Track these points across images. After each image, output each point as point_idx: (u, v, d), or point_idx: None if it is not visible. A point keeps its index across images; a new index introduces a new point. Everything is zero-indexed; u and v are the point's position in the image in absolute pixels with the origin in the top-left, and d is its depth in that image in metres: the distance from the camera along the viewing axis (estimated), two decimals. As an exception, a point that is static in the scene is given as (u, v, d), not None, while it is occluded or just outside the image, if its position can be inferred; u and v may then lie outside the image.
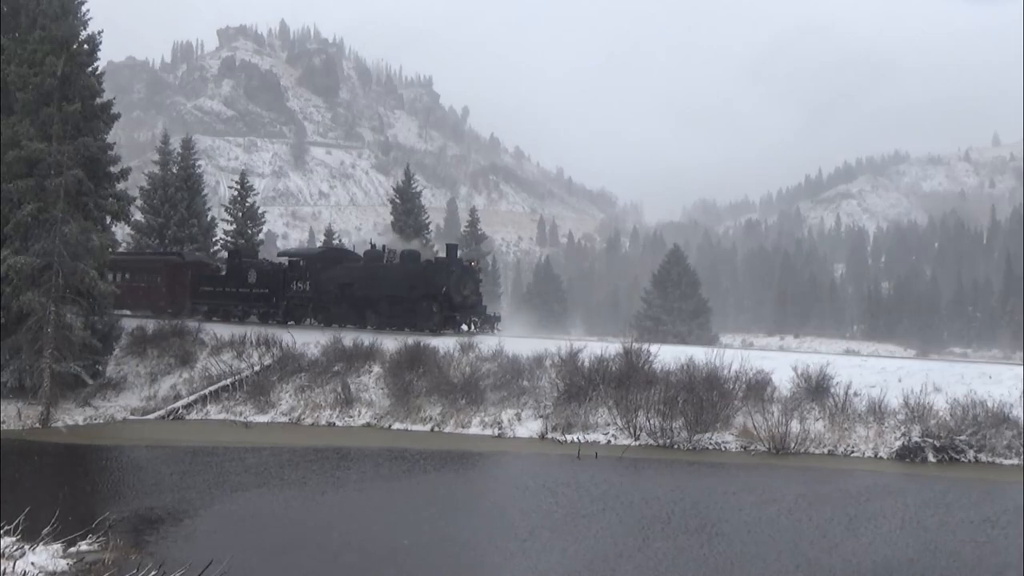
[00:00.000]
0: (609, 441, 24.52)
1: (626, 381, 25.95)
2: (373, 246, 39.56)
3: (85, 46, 31.21)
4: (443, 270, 35.10)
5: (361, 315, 36.53)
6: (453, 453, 24.02)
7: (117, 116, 33.13)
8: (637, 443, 24.21)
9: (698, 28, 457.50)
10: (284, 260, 42.02)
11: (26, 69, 29.78)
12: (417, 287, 34.89)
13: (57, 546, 13.80)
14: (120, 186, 33.08)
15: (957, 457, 21.73)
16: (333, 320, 37.55)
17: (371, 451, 24.66)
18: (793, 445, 22.85)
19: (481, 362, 29.41)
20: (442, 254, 40.15)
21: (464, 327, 35.17)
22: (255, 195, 60.36)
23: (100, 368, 32.65)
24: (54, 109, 29.62)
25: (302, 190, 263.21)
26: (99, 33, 31.73)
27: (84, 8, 32.22)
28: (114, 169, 32.49)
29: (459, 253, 39.73)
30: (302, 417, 28.94)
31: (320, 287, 37.96)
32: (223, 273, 42.64)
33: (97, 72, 32.08)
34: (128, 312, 41.75)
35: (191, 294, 41.94)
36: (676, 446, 23.73)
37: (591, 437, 24.69)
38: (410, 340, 30.83)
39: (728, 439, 23.86)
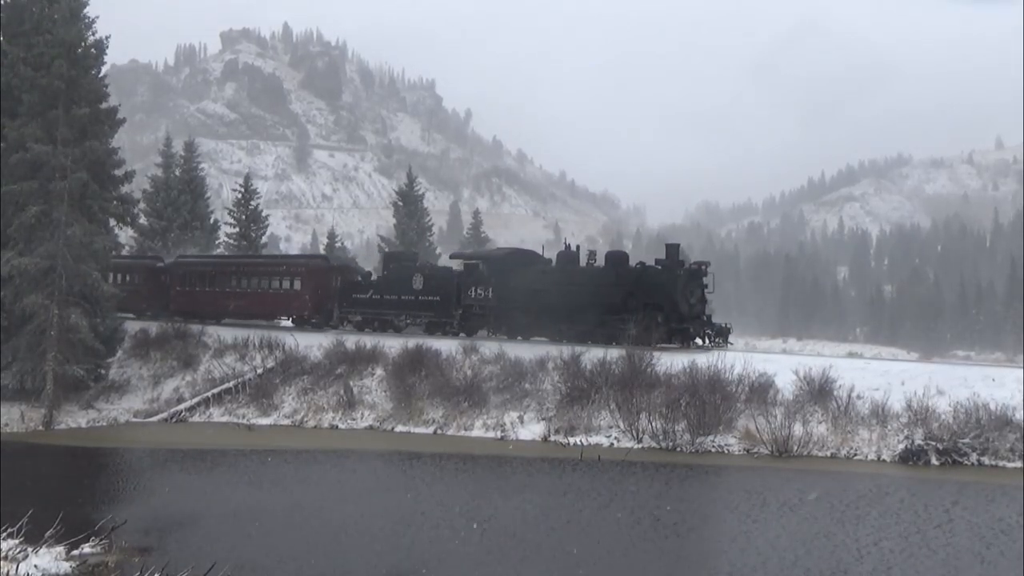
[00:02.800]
0: (612, 444, 24.50)
1: (629, 384, 25.93)
2: (567, 247, 34.77)
3: (92, 50, 31.33)
4: (668, 274, 30.57)
5: (555, 326, 32.29)
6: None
7: (122, 121, 33.26)
8: (640, 446, 24.19)
9: (700, 30, 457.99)
10: (455, 264, 38.12)
11: (32, 72, 29.87)
12: (635, 295, 30.39)
13: (60, 549, 13.83)
14: (124, 189, 33.20)
15: (960, 460, 21.67)
16: (520, 332, 33.58)
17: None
18: (796, 448, 22.82)
19: (483, 364, 29.40)
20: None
21: (699, 341, 30.71)
22: (258, 198, 60.47)
23: (103, 371, 32.73)
24: (60, 112, 29.71)
25: (305, 193, 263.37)
26: (106, 38, 31.88)
27: (91, 13, 32.40)
28: (118, 172, 32.59)
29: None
30: (305, 420, 28.96)
31: (504, 294, 33.53)
32: (374, 279, 39.49)
33: (103, 76, 32.20)
34: (261, 322, 39.58)
35: (340, 302, 38.27)
36: (679, 449, 23.70)
37: (594, 440, 24.67)
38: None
39: (731, 442, 23.82)
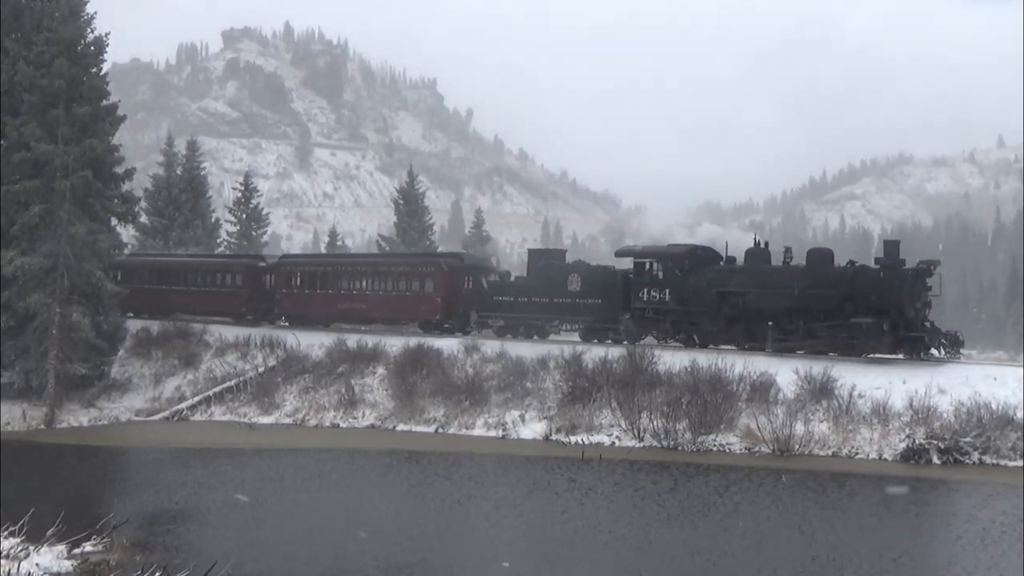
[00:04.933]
0: (613, 443, 24.50)
1: (630, 383, 25.92)
2: (757, 243, 30.88)
3: (92, 48, 31.32)
4: (892, 275, 27.04)
5: (748, 334, 29.00)
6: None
7: (123, 118, 33.24)
8: (641, 445, 24.19)
9: (701, 29, 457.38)
10: (613, 264, 34.83)
11: (33, 71, 29.88)
12: (854, 298, 27.01)
13: (62, 547, 13.82)
14: (125, 187, 33.20)
15: (961, 459, 21.66)
16: (703, 339, 30.16)
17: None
18: (797, 447, 22.82)
19: (484, 363, 29.40)
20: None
21: (934, 351, 27.26)
22: (259, 196, 60.55)
23: (105, 369, 32.73)
24: (61, 111, 29.71)
25: (306, 191, 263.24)
26: (106, 36, 31.87)
27: (91, 11, 32.41)
28: (118, 170, 32.59)
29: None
30: (306, 418, 28.97)
31: (686, 296, 30.18)
32: (514, 279, 36.46)
33: (103, 75, 32.20)
34: (383, 325, 37.08)
35: (477, 304, 35.32)
36: (680, 448, 23.70)
37: (595, 439, 24.67)
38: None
39: (732, 440, 23.82)
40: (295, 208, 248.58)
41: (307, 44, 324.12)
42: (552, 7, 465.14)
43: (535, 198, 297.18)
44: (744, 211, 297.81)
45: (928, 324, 27.54)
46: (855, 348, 26.72)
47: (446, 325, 35.57)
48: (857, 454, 22.57)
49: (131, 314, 40.00)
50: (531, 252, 37.55)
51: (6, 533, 13.88)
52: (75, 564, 13.25)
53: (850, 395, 23.98)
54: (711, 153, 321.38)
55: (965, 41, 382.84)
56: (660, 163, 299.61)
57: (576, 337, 33.48)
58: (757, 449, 23.19)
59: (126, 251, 45.37)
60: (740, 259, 30.95)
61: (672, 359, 26.88)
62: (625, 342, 30.56)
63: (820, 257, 29.07)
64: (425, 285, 36.30)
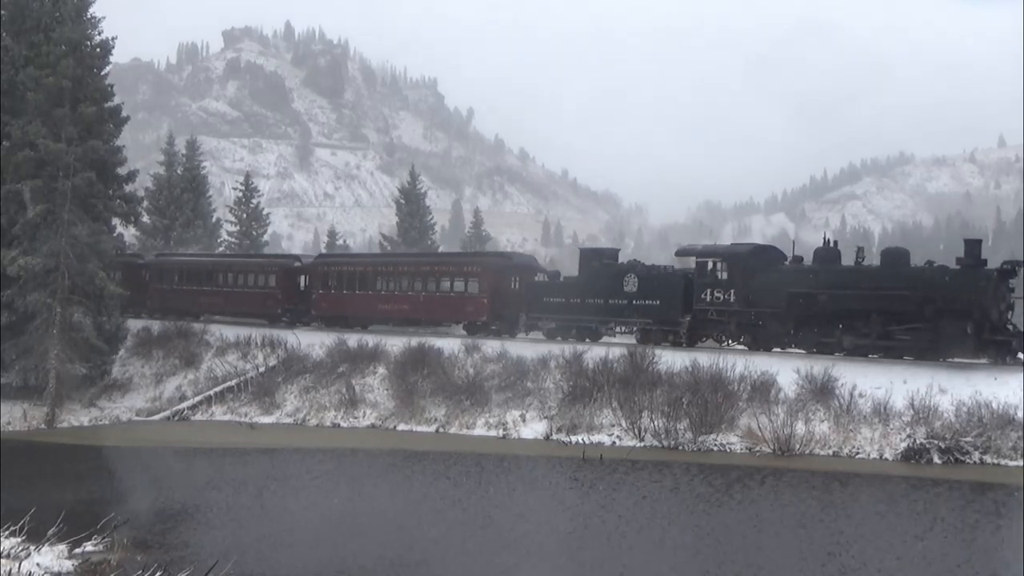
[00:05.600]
0: (614, 442, 24.50)
1: (631, 382, 25.91)
2: (826, 242, 29.71)
3: (98, 49, 31.35)
4: (976, 276, 25.87)
5: (820, 337, 27.81)
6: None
7: (127, 119, 33.29)
8: (642, 444, 24.18)
9: (701, 29, 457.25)
10: (671, 264, 33.61)
11: (38, 71, 29.89)
12: (935, 300, 25.73)
13: (63, 547, 13.85)
14: (128, 188, 33.24)
15: (962, 459, 21.64)
16: (770, 342, 29.17)
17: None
18: (798, 447, 22.81)
19: (485, 363, 29.40)
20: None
21: (1021, 355, 25.90)
22: (260, 196, 60.60)
23: (106, 369, 32.74)
24: (67, 111, 29.72)
25: (307, 191, 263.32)
26: (113, 39, 31.93)
27: (98, 13, 32.45)
28: (121, 171, 32.62)
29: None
30: (307, 418, 28.98)
31: (750, 298, 29.14)
32: (563, 279, 35.15)
33: (105, 75, 32.24)
34: (426, 327, 36.27)
35: (527, 304, 33.97)
36: (681, 447, 23.70)
37: (596, 438, 24.67)
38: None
39: (733, 440, 23.82)
40: (296, 208, 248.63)
41: (308, 44, 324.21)
42: (553, 7, 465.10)
43: (536, 198, 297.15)
44: (745, 210, 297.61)
45: (1011, 327, 26.32)
46: (936, 352, 25.73)
47: (493, 327, 34.47)
48: (858, 454, 22.56)
49: (158, 315, 40.01)
50: (583, 251, 35.97)
51: (7, 533, 13.90)
52: (76, 564, 13.27)
53: (851, 395, 23.97)
54: (712, 152, 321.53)
55: (966, 41, 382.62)
56: (661, 162, 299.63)
57: (632, 339, 32.15)
58: (758, 449, 23.18)
59: (152, 253, 45.08)
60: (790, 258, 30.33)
61: (673, 358, 26.87)
62: (685, 345, 29.94)
63: (896, 257, 28.03)
64: (471, 285, 35.08)
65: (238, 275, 40.85)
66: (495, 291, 34.43)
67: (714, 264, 30.10)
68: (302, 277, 39.81)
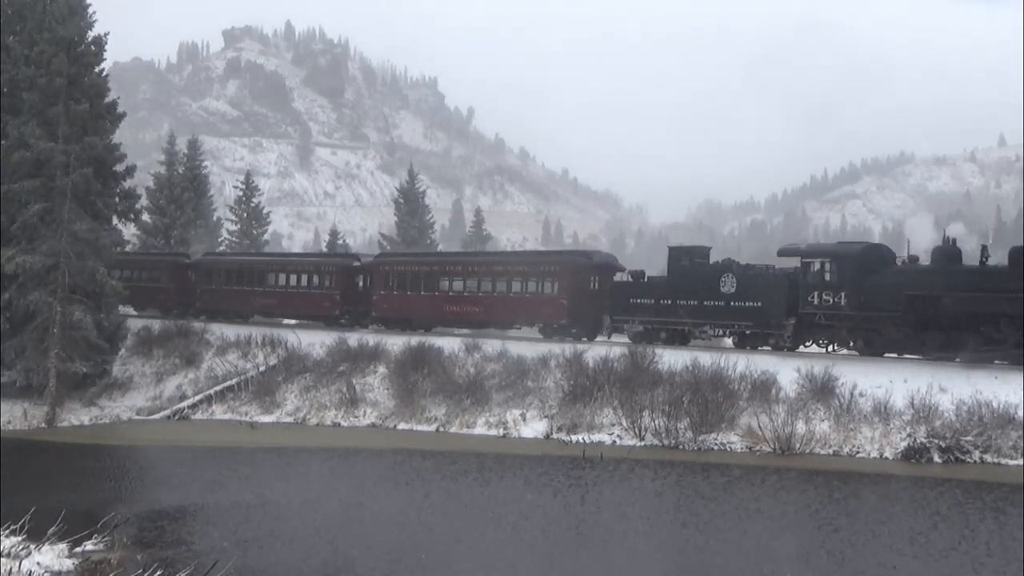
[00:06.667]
0: (614, 442, 24.49)
1: (631, 382, 25.91)
2: (946, 241, 28.04)
3: (92, 47, 31.33)
4: None
5: (942, 342, 26.14)
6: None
7: (123, 115, 33.23)
8: (642, 444, 24.17)
9: (702, 28, 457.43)
10: (773, 266, 31.95)
11: (33, 70, 29.91)
12: None
13: (63, 546, 13.85)
14: (126, 185, 33.21)
15: (963, 458, 21.63)
16: (885, 347, 27.72)
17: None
18: (798, 446, 22.81)
19: (486, 362, 29.39)
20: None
21: None
22: (260, 195, 60.60)
23: (106, 368, 32.74)
24: (61, 109, 29.72)
25: (307, 190, 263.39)
26: (106, 35, 31.89)
27: (91, 9, 32.42)
28: (119, 168, 32.59)
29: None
30: (307, 417, 28.96)
31: (862, 300, 27.67)
32: (648, 279, 33.25)
33: (103, 73, 32.22)
34: (498, 329, 34.94)
35: (612, 306, 32.56)
36: (681, 447, 23.69)
37: (596, 438, 24.66)
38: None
39: (733, 439, 23.81)
40: (296, 207, 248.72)
41: (308, 43, 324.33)
42: (553, 7, 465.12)
43: (536, 197, 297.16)
44: (745, 210, 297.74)
45: None
46: None
47: (573, 330, 33.07)
48: (858, 453, 22.56)
49: (203, 317, 39.94)
50: (672, 249, 33.26)
51: (7, 532, 13.90)
52: (76, 563, 13.26)
53: (851, 394, 23.97)
54: (712, 152, 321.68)
55: (966, 41, 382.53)
56: (661, 162, 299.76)
57: (729, 343, 30.87)
58: (758, 448, 23.18)
59: (200, 252, 44.30)
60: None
61: (673, 358, 26.86)
62: (786, 349, 28.93)
63: None
64: (546, 286, 33.38)
65: (292, 275, 39.60)
66: (574, 292, 32.82)
67: (822, 264, 28.68)
68: (362, 277, 38.59)
